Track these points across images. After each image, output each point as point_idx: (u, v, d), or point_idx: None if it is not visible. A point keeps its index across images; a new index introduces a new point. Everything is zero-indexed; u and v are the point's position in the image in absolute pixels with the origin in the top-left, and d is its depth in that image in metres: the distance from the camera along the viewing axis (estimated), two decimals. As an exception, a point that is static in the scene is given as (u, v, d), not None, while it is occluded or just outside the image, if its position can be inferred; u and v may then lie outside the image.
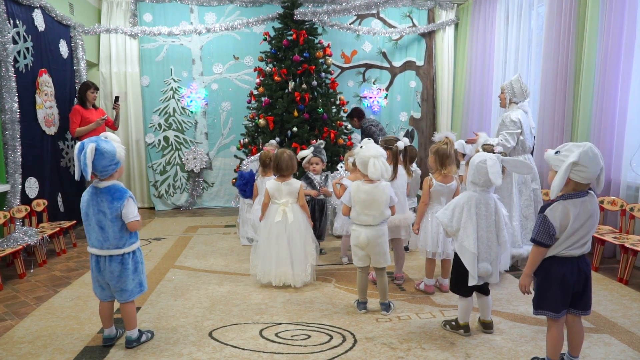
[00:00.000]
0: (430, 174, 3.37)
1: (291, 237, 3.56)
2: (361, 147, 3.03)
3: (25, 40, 4.67)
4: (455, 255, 2.69)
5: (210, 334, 2.80)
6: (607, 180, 4.27)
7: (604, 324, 2.89)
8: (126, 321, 2.65)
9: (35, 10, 4.91)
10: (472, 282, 2.58)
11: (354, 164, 3.97)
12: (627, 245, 3.58)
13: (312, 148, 4.35)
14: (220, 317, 3.06)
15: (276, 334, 2.79)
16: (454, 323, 2.81)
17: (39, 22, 4.97)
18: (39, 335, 2.84)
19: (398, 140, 3.53)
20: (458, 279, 2.69)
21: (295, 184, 3.63)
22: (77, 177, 2.41)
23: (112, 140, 2.49)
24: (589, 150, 2.01)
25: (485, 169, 2.51)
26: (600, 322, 2.91)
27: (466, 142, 4.18)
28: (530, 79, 5.70)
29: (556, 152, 2.12)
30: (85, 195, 2.53)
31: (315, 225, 4.03)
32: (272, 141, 5.27)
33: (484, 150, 3.28)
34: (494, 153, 2.70)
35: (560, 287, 2.14)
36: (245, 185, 4.94)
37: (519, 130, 3.85)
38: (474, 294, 2.75)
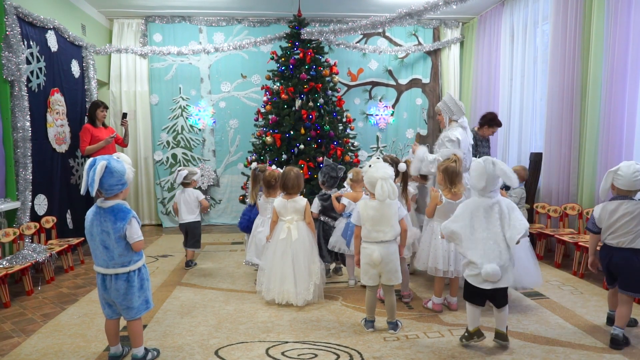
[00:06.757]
0: (439, 191, 3.35)
1: (295, 254, 3.54)
2: (370, 166, 3.03)
3: (38, 61, 4.77)
4: None
5: (216, 353, 2.78)
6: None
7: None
8: (132, 339, 2.64)
9: (49, 31, 5.03)
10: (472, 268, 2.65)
11: (352, 179, 3.97)
12: None
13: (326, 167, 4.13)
14: (226, 335, 3.04)
15: (282, 353, 2.76)
16: (466, 334, 2.80)
17: (52, 42, 5.08)
18: (45, 352, 2.83)
19: (399, 160, 3.52)
20: (469, 286, 2.72)
21: (301, 201, 3.63)
22: (82, 191, 2.42)
23: (123, 161, 2.51)
24: (632, 164, 2.76)
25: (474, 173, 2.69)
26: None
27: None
28: (537, 95, 5.71)
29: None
30: (89, 215, 2.53)
31: (320, 244, 3.99)
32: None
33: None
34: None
35: (601, 265, 2.94)
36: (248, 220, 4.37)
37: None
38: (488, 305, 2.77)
